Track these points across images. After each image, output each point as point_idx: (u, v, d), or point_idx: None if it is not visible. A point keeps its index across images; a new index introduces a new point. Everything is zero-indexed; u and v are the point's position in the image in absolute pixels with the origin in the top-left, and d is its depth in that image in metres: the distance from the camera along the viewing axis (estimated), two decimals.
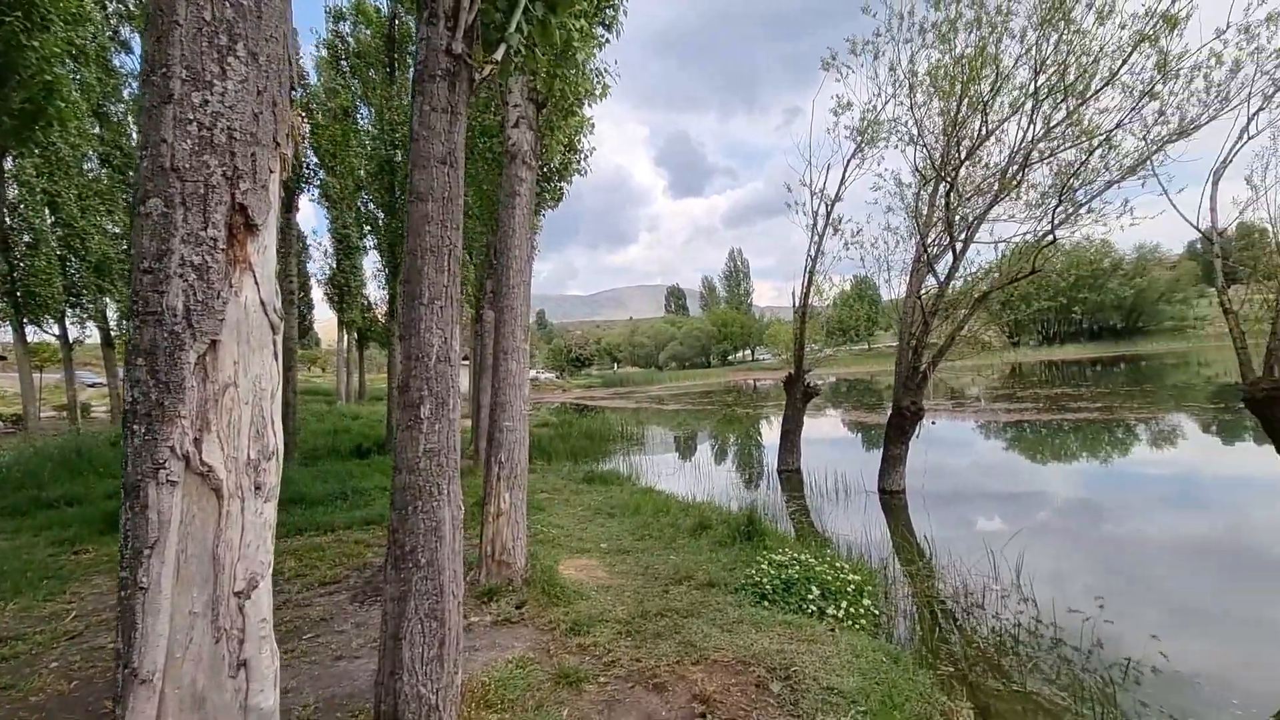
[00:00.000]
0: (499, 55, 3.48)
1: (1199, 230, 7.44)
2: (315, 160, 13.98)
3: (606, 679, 4.29)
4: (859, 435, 21.04)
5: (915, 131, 10.75)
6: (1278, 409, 6.33)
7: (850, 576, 5.78)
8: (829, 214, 13.09)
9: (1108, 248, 69.24)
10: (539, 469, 14.09)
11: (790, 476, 13.42)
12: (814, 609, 5.23)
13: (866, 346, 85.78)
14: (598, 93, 6.24)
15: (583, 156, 9.25)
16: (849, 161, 12.73)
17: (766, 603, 5.38)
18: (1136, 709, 4.41)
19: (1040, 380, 37.29)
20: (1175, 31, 9.26)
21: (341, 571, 6.69)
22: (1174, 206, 7.75)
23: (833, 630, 4.91)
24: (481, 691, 3.94)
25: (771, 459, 14.55)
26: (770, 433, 23.16)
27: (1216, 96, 8.99)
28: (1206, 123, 9.12)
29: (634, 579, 6.22)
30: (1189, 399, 22.40)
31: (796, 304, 14.09)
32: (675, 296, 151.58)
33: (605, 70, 6.31)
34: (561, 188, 9.70)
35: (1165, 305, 75.11)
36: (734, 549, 7.01)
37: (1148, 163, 9.54)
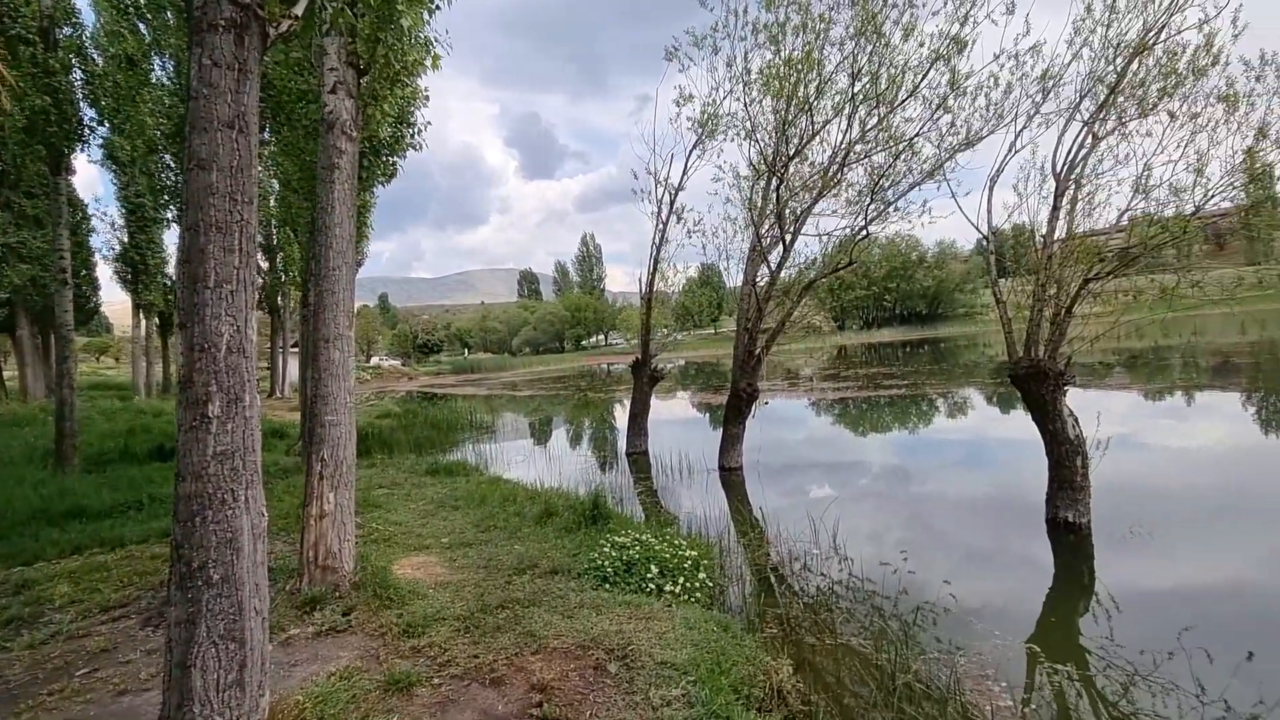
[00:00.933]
0: (299, 9, 3.13)
1: (978, 229, 8.55)
2: (92, 114, 11.92)
3: (441, 679, 4.12)
4: (704, 416, 22.04)
5: (750, 127, 11.32)
6: (1034, 384, 7.47)
7: (688, 552, 6.02)
8: (673, 202, 13.47)
9: (915, 243, 78.46)
10: (379, 463, 13.27)
11: (638, 459, 13.75)
12: (653, 587, 5.39)
13: (713, 331, 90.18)
14: (428, 63, 5.85)
15: (417, 131, 8.70)
16: (691, 152, 13.14)
17: (608, 585, 5.46)
18: (930, 644, 5.02)
19: (861, 361, 41.38)
20: (964, 53, 10.51)
21: (132, 593, 5.84)
22: (960, 209, 8.84)
23: (670, 606, 5.09)
24: (296, 711, 3.62)
25: (622, 442, 14.83)
26: (622, 416, 23.60)
27: (994, 113, 10.35)
28: (986, 135, 10.45)
29: (476, 573, 6.04)
30: (975, 376, 25.96)
31: (643, 289, 14.38)
32: (528, 281, 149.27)
33: (436, 40, 5.94)
34: (395, 163, 9.07)
35: (959, 294, 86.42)
36: (579, 534, 7.04)
37: (942, 168, 10.80)
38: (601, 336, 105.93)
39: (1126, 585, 6.00)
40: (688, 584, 5.49)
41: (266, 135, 10.55)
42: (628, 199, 14.37)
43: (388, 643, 4.66)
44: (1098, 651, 4.91)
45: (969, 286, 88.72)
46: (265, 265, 31.40)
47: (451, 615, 5.00)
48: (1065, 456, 7.27)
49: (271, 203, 21.49)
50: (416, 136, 8.68)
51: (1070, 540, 7.09)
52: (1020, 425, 15.11)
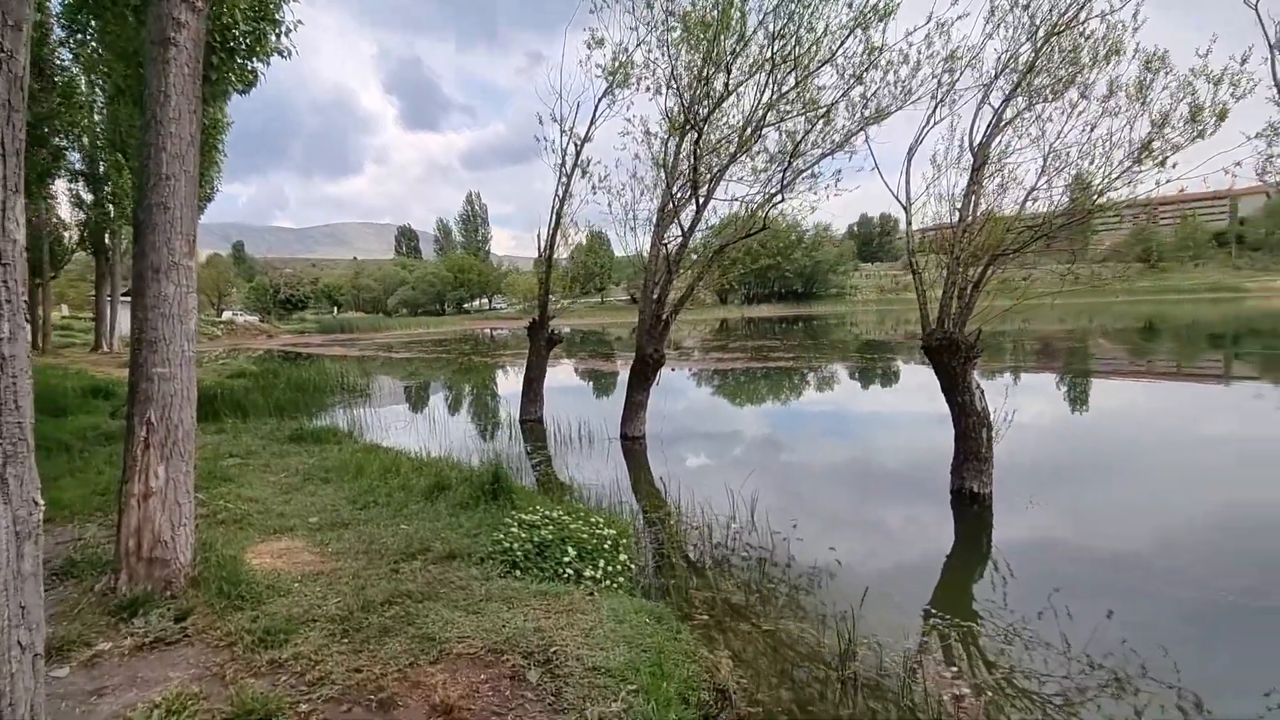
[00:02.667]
0: None
1: (897, 199, 8.44)
2: None
3: (311, 704, 3.22)
4: (598, 383, 21.47)
5: (669, 74, 10.60)
6: (946, 355, 7.49)
7: (606, 531, 5.39)
8: (578, 153, 12.53)
9: (796, 224, 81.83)
10: (230, 429, 11.51)
11: (533, 426, 12.93)
12: (571, 573, 4.71)
13: (600, 300, 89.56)
14: None
15: (284, 31, 7.20)
16: (600, 101, 12.24)
17: (519, 572, 4.72)
18: (876, 626, 4.75)
19: (743, 334, 42.55)
20: (884, 25, 10.34)
21: None
22: (883, 179, 8.70)
23: (592, 595, 4.44)
24: None
25: (512, 409, 13.89)
26: (508, 382, 22.52)
27: (902, 90, 10.30)
28: (896, 110, 10.43)
29: (354, 560, 5.07)
30: (852, 351, 27.28)
31: (543, 247, 13.39)
32: (407, 238, 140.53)
33: None
34: (255, 70, 7.48)
35: (832, 275, 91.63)
36: (478, 511, 6.20)
37: (852, 139, 10.67)
38: (485, 300, 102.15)
39: (1025, 551, 6.11)
40: (609, 567, 4.86)
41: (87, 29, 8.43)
42: (517, 159, 13.47)
43: (238, 656, 3.66)
44: (1002, 616, 4.85)
45: (840, 268, 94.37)
46: (89, 198, 26.88)
47: (324, 616, 4.06)
48: (972, 428, 7.35)
49: (95, 118, 18.05)
50: (284, 38, 7.18)
51: (974, 511, 7.20)
52: (884, 396, 15.81)
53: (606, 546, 5.10)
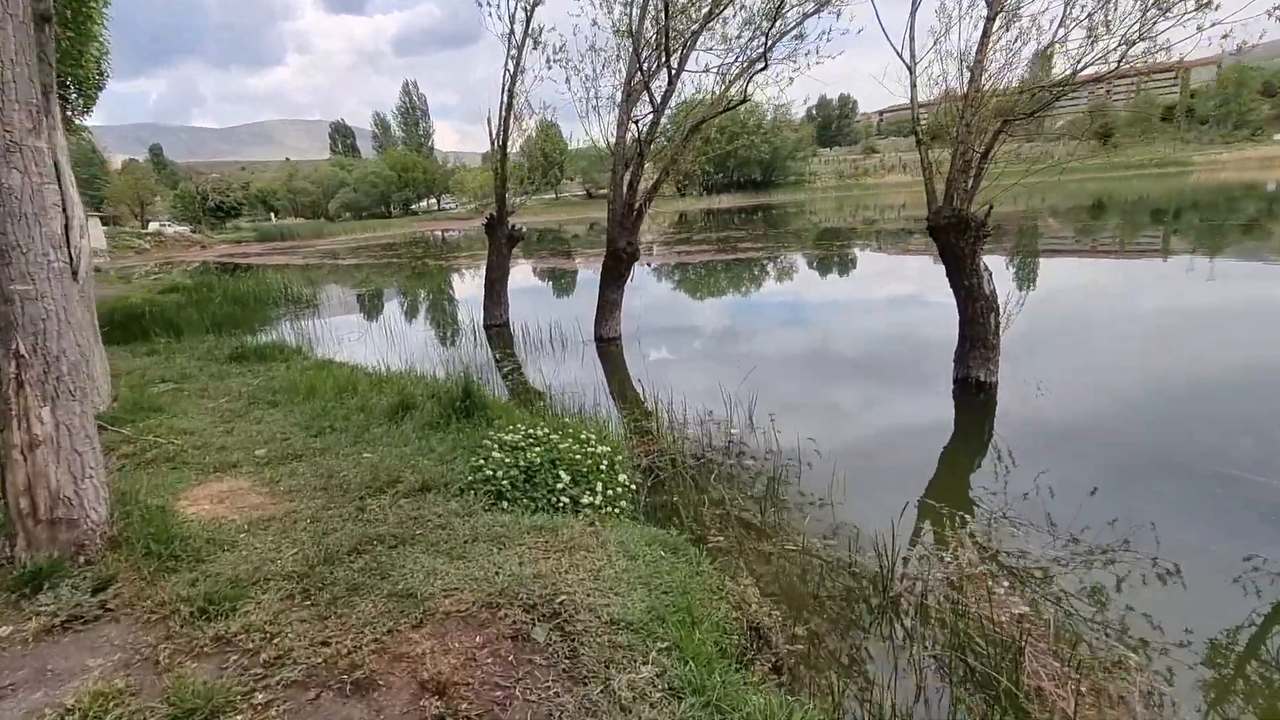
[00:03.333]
0: None
1: (903, 59, 7.44)
2: None
3: (269, 691, 2.62)
4: (561, 283, 20.51)
5: None
6: (954, 235, 6.85)
7: (599, 448, 4.78)
8: (529, 20, 10.94)
9: (755, 108, 78.34)
10: (162, 350, 10.41)
11: (499, 332, 12.11)
12: (566, 501, 4.12)
13: (554, 195, 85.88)
14: None
15: None
16: None
17: (506, 504, 4.10)
18: (850, 519, 4.36)
19: (706, 226, 41.35)
20: None
21: None
22: (884, 33, 7.61)
23: (594, 526, 3.87)
24: None
25: (475, 315, 12.97)
26: (466, 286, 21.39)
27: None
28: None
29: (311, 499, 4.38)
30: (814, 239, 26.65)
31: (494, 133, 11.98)
32: (342, 135, 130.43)
33: None
34: None
35: (791, 162, 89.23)
36: (450, 432, 5.51)
37: None
38: (433, 200, 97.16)
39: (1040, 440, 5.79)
40: (608, 491, 4.28)
41: None
42: (455, 43, 12.11)
43: (174, 632, 3.00)
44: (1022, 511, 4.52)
45: (800, 154, 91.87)
46: None
47: (279, 573, 3.40)
48: (979, 314, 6.85)
49: None
50: None
51: (980, 400, 6.84)
52: (886, 286, 15.36)
53: (603, 467, 4.50)
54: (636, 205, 9.83)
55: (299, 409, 6.55)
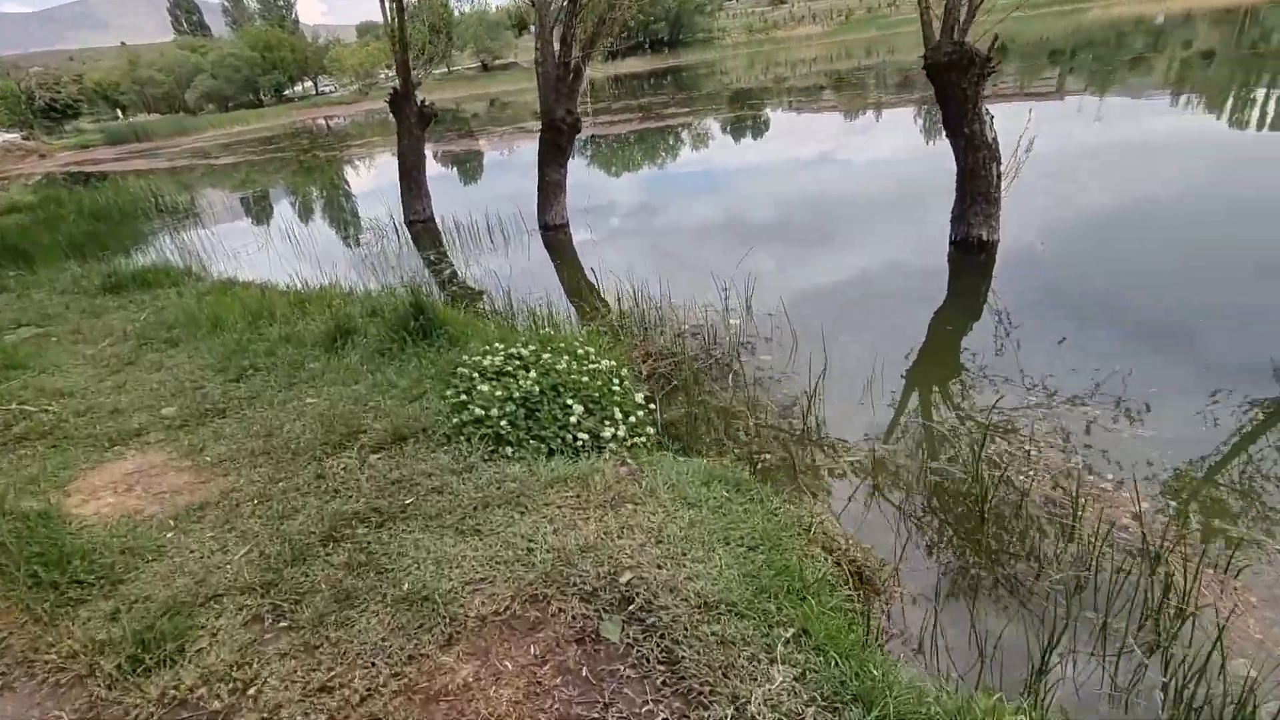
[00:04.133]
0: None
1: None
2: None
3: None
4: (471, 167, 18.57)
5: None
6: (955, 74, 6.01)
7: (602, 363, 3.97)
8: None
9: None
10: (13, 285, 8.55)
11: (425, 228, 10.68)
12: (585, 437, 3.34)
13: (447, 70, 77.92)
14: None
15: None
16: None
17: (510, 449, 3.29)
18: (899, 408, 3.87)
19: (618, 93, 38.54)
20: None
21: None
22: None
23: (626, 464, 3.15)
24: None
25: (391, 210, 11.35)
26: (368, 178, 19.13)
27: None
28: None
29: (251, 468, 3.43)
30: (737, 101, 25.15)
31: None
32: (185, 10, 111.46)
33: None
34: None
35: (699, 18, 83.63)
36: (408, 360, 4.54)
37: None
38: (309, 83, 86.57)
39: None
40: (630, 419, 3.52)
41: None
42: None
43: (100, 698, 2.15)
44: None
45: (707, 8, 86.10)
46: None
47: (234, 585, 2.55)
48: (981, 164, 6.19)
49: None
50: None
51: (980, 261, 6.34)
52: (844, 143, 14.48)
53: (614, 388, 3.72)
54: (573, 63, 8.36)
55: (206, 346, 5.34)
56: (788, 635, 2.05)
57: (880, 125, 15.92)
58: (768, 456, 3.59)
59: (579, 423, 3.35)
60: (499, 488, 2.98)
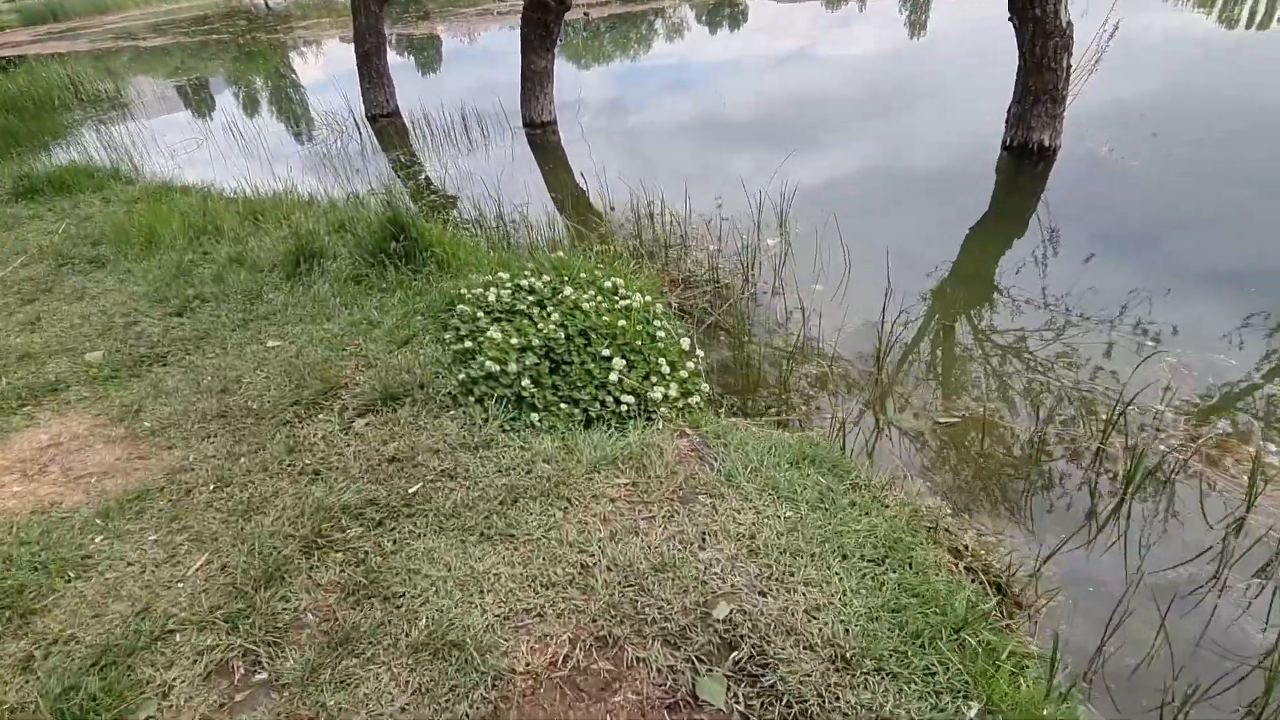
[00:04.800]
0: None
1: None
2: None
3: None
4: (428, 55, 16.69)
5: None
6: None
7: (634, 298, 3.24)
8: None
9: None
10: None
11: (390, 124, 9.42)
12: (629, 402, 2.66)
13: None
14: None
15: None
16: None
17: (536, 416, 2.60)
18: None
19: None
20: None
21: None
22: None
23: (687, 437, 2.51)
24: None
25: (349, 102, 9.96)
26: (317, 67, 17.12)
27: None
28: None
29: (202, 438, 2.70)
30: None
31: None
32: None
33: None
34: None
35: None
36: (389, 292, 3.74)
37: None
38: None
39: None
40: (678, 368, 2.85)
41: None
42: None
43: None
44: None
45: None
46: None
47: (188, 618, 1.90)
48: (1052, 55, 5.30)
49: None
50: None
51: (1039, 171, 5.60)
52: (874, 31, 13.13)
53: (654, 331, 3.01)
54: None
55: (140, 269, 4.44)
56: (971, 714, 1.50)
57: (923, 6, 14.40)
58: (844, 418, 2.97)
59: (621, 381, 2.67)
60: (529, 471, 2.32)
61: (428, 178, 7.08)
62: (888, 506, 2.19)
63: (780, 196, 4.97)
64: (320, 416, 2.77)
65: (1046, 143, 5.56)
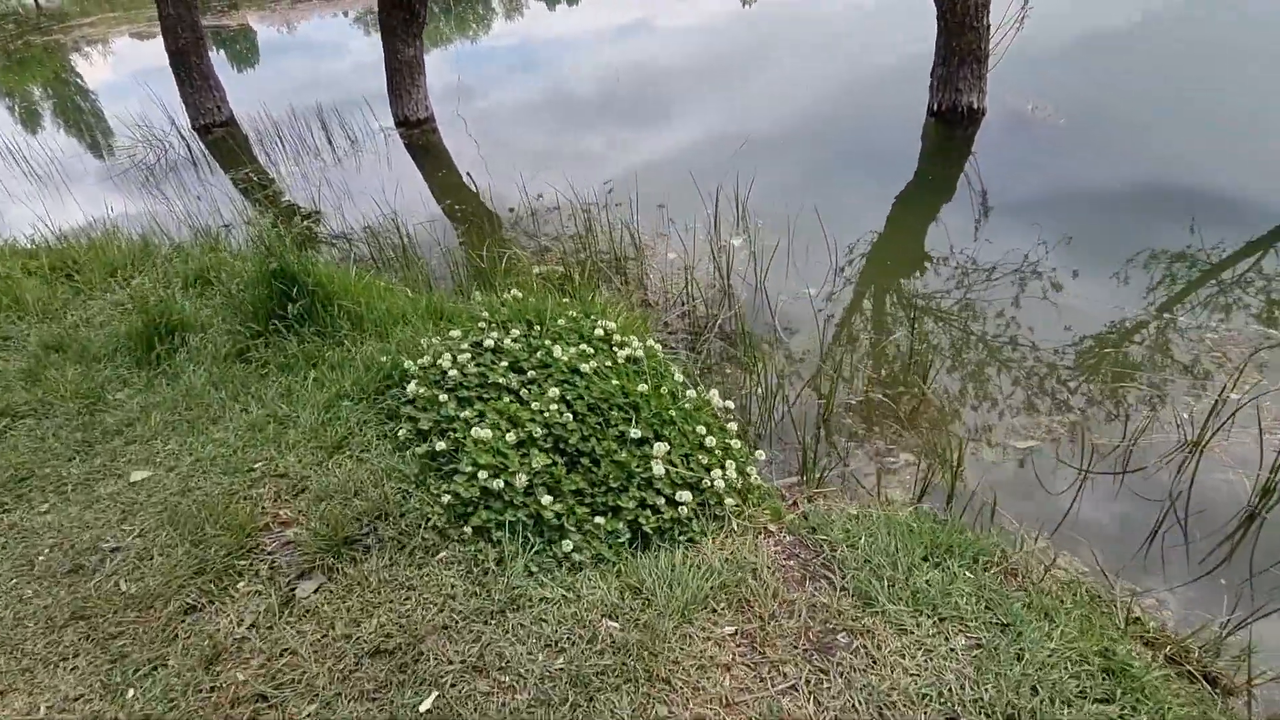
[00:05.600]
0: None
1: None
2: None
3: None
4: (242, 49, 14.66)
5: None
6: None
7: (633, 343, 2.57)
8: None
9: None
10: None
11: (226, 134, 7.90)
12: (684, 498, 2.00)
13: None
14: None
15: None
16: None
17: (570, 544, 1.88)
18: None
19: None
20: None
21: None
22: None
23: (773, 536, 1.91)
24: None
25: (171, 111, 8.25)
26: (107, 70, 14.45)
27: None
28: None
29: (52, 669, 1.75)
30: None
31: None
32: None
33: None
34: None
35: None
36: (294, 371, 2.81)
37: None
38: None
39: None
40: (727, 442, 2.23)
41: None
42: None
43: None
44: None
45: None
46: None
47: None
48: (972, 14, 5.10)
49: None
50: None
51: (966, 134, 5.45)
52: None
53: (678, 392, 2.36)
54: None
55: None
56: None
57: None
58: (925, 470, 2.48)
59: (668, 472, 2.01)
60: (592, 641, 1.63)
61: (294, 203, 5.88)
62: (1062, 601, 1.72)
63: (731, 186, 4.40)
64: (241, 589, 1.91)
65: (975, 105, 5.41)
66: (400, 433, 2.32)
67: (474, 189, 5.68)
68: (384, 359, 2.67)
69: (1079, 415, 2.69)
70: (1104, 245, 3.81)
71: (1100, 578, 1.98)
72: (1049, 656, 1.54)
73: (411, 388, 2.40)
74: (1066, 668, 1.52)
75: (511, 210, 5.10)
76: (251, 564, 1.98)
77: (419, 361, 2.54)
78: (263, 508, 2.16)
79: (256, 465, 2.33)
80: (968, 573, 1.76)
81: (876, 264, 4.01)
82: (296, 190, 6.10)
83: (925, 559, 1.80)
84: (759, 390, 2.90)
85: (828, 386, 2.86)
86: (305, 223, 5.27)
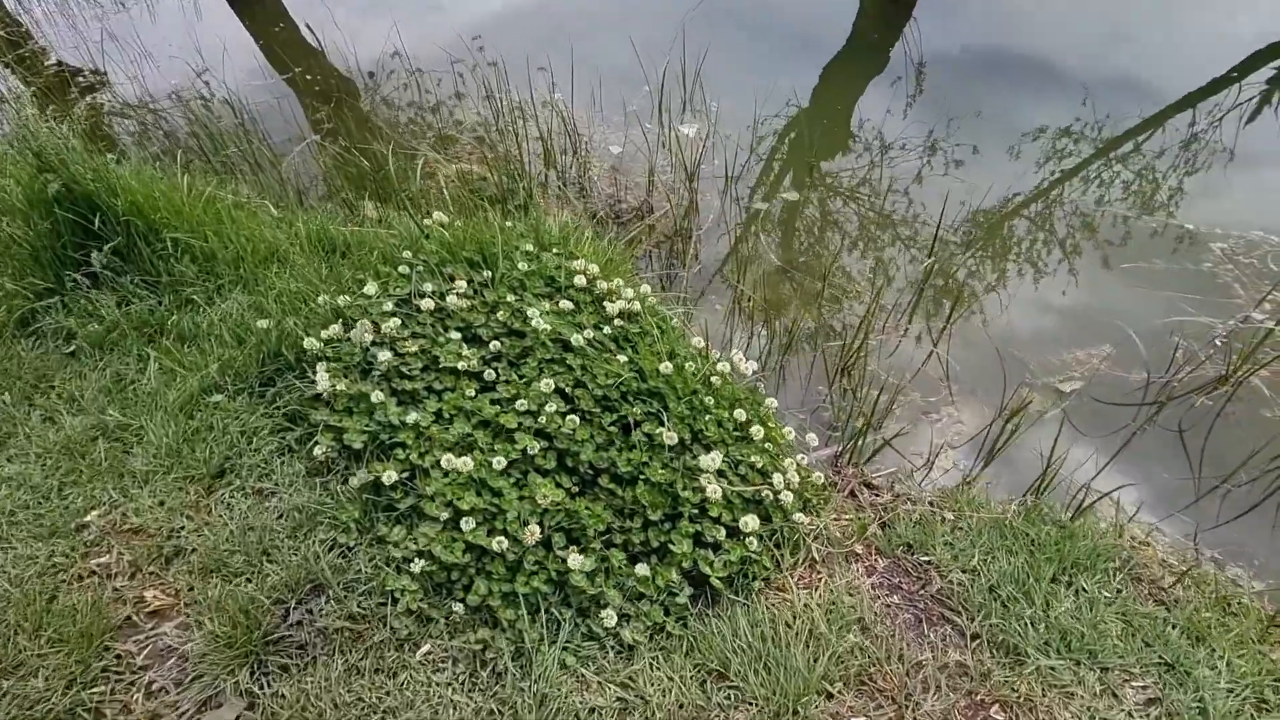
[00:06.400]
0: None
1: None
2: None
3: None
4: None
5: None
6: None
7: (626, 294, 1.94)
8: None
9: None
10: None
11: None
12: (749, 524, 1.49)
13: None
14: None
15: None
16: None
17: (612, 613, 1.35)
18: None
19: None
20: None
21: None
22: None
23: (861, 561, 1.49)
24: None
25: None
26: None
27: None
28: None
29: None
30: None
31: None
32: None
33: None
34: None
35: None
36: (121, 349, 1.91)
37: None
38: None
39: None
40: (774, 431, 1.72)
41: None
42: None
43: None
44: None
45: None
46: None
47: None
48: None
49: None
50: None
51: (894, 12, 4.82)
52: None
53: (713, 367, 1.79)
54: None
55: None
56: None
57: None
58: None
59: (723, 494, 1.49)
60: None
61: (65, 65, 4.22)
62: (1198, 610, 1.46)
63: (656, 51, 3.53)
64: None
65: None
66: (316, 450, 1.60)
67: (319, 45, 4.34)
68: (263, 324, 1.85)
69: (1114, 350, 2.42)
70: None
71: (1191, 551, 1.75)
72: (1229, 698, 1.27)
73: (323, 379, 1.64)
74: (1252, 715, 1.26)
75: (371, 76, 3.97)
76: (112, 693, 1.28)
77: (323, 334, 1.76)
78: (114, 589, 1.42)
79: (89, 517, 1.54)
80: (1103, 591, 1.45)
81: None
82: (65, 49, 4.40)
83: (1054, 578, 1.46)
84: (752, 326, 2.38)
85: (858, 326, 2.37)
86: (89, 97, 3.80)
